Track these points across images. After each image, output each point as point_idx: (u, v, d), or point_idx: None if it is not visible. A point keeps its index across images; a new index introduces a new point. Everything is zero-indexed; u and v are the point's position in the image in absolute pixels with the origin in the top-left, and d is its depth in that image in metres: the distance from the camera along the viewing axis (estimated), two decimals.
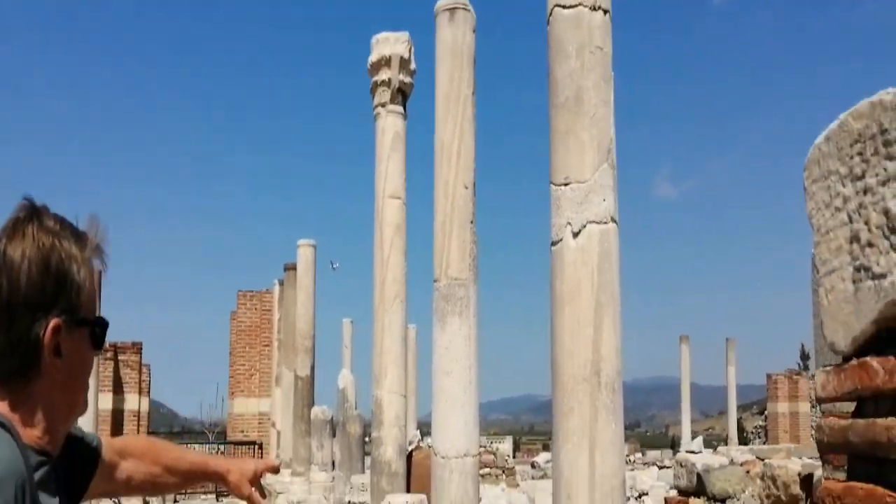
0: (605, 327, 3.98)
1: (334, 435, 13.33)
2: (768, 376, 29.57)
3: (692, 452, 4.79)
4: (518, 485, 16.29)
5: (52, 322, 1.21)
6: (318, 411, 13.83)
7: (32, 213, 1.24)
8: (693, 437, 24.93)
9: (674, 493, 4.88)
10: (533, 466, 21.57)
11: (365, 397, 10.29)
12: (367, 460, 9.70)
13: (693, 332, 35.65)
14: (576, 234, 4.07)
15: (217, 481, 1.72)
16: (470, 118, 6.28)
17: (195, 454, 1.83)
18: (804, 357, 37.90)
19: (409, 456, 9.08)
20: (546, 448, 34.92)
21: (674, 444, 37.64)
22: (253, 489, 1.66)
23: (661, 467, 21.14)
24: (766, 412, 30.60)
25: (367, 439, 10.75)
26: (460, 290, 6.09)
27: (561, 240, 4.14)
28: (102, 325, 1.33)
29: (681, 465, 4.60)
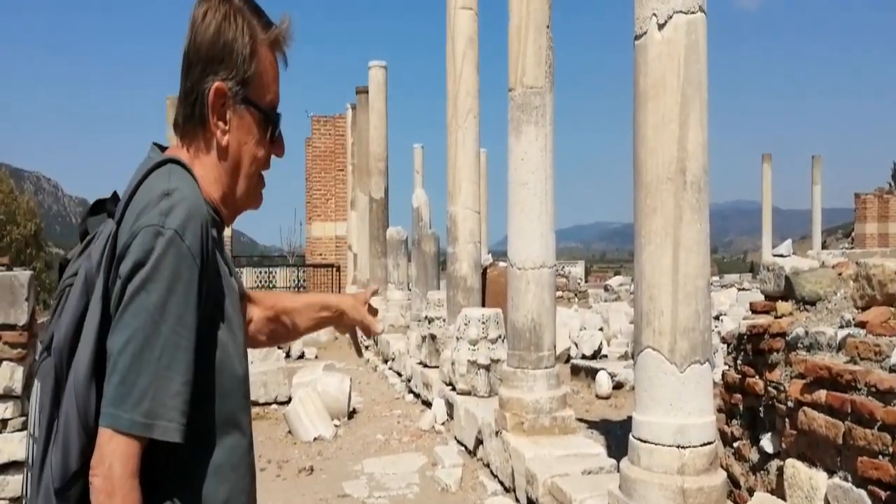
0: (692, 123, 3.76)
1: (409, 255, 13.58)
2: (856, 196, 28.65)
3: (780, 256, 4.61)
4: (591, 307, 16.43)
5: (217, 83, 1.33)
6: (393, 232, 14.03)
7: None
8: None
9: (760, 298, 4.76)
10: (606, 290, 21.45)
11: (439, 217, 10.33)
12: (443, 280, 9.86)
13: (775, 151, 33.69)
14: (661, 26, 3.79)
15: (334, 313, 1.84)
16: None
17: (308, 294, 1.93)
18: None
19: (484, 273, 9.18)
20: (618, 273, 35.01)
21: (752, 270, 37.09)
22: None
23: (740, 289, 20.86)
24: (852, 234, 29.83)
25: (442, 259, 10.88)
26: (536, 99, 5.84)
27: (645, 33, 3.86)
28: (276, 118, 1.42)
29: (768, 269, 4.45)
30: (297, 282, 25.60)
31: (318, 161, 24.67)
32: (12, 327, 4.37)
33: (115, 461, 1.16)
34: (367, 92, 16.77)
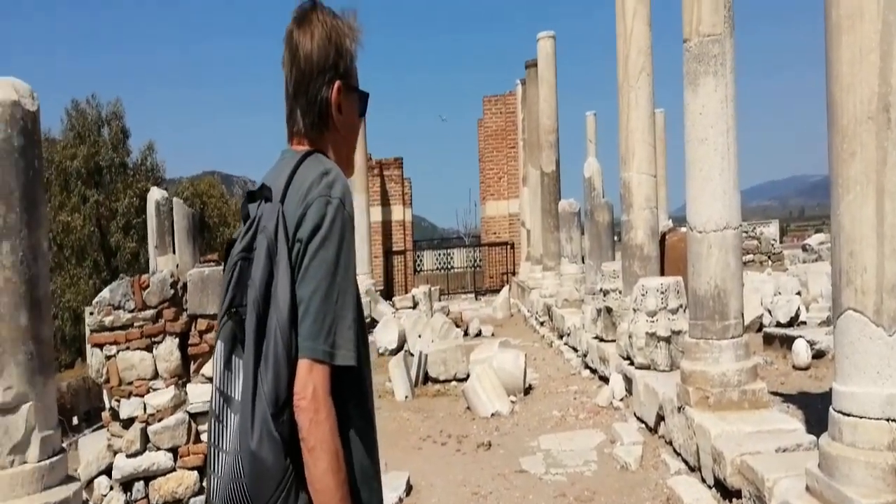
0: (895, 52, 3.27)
1: (583, 228, 13.24)
2: None
3: None
4: (787, 269, 15.19)
5: (336, 84, 1.67)
6: (565, 204, 13.72)
7: (314, 3, 1.67)
8: None
9: None
10: (804, 249, 19.04)
11: (613, 186, 9.91)
12: (619, 252, 9.48)
13: None
14: None
15: None
16: None
17: None
18: None
19: (662, 239, 8.73)
20: (819, 231, 32.35)
21: None
22: None
23: None
24: None
25: (617, 229, 10.48)
26: (714, 47, 5.39)
27: None
28: (365, 95, 1.77)
29: None
30: (473, 262, 25.97)
31: (490, 140, 24.71)
32: None
33: (317, 385, 1.47)
34: (535, 65, 16.51)
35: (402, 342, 11.11)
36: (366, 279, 18.91)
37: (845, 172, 3.44)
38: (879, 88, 3.31)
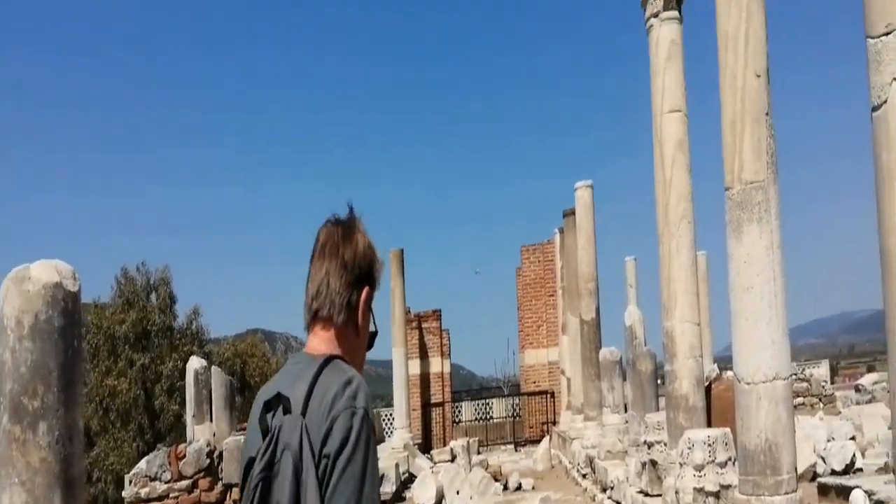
0: None
1: (625, 376, 12.92)
2: None
3: None
4: (840, 412, 14.46)
5: (366, 289, 1.78)
6: (605, 353, 13.48)
7: (353, 221, 1.80)
8: None
9: None
10: (857, 390, 18.07)
11: (654, 333, 9.75)
12: (662, 400, 9.17)
13: None
14: None
15: None
16: None
17: None
18: None
19: (708, 389, 8.44)
20: (871, 369, 31.07)
21: None
22: None
23: None
24: None
25: (660, 376, 10.21)
26: (758, 194, 5.39)
27: (885, 101, 3.41)
28: (374, 333, 1.87)
29: None
30: (512, 411, 25.50)
31: (529, 289, 24.80)
32: None
33: None
34: (573, 214, 16.68)
35: (441, 498, 10.74)
36: (404, 433, 18.60)
37: None
38: None
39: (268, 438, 1.57)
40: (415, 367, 23.13)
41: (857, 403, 15.95)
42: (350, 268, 1.75)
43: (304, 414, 1.56)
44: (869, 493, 7.44)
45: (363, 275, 1.77)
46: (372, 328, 1.86)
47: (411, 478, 12.56)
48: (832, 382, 24.38)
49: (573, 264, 16.87)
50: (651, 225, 8.38)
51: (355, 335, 1.78)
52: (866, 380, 19.13)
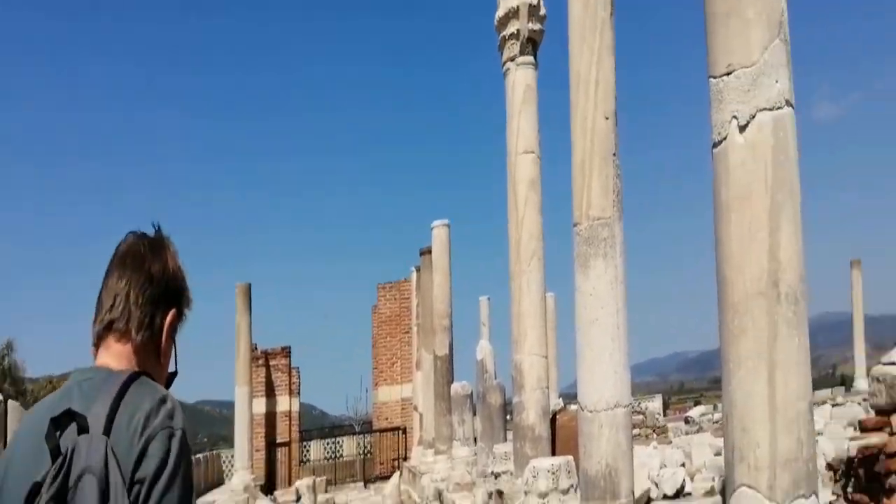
0: (784, 229, 3.42)
1: (475, 410, 13.06)
2: None
3: (892, 364, 4.12)
4: (671, 442, 15.44)
5: (173, 311, 1.62)
6: (457, 387, 13.59)
7: (162, 238, 1.65)
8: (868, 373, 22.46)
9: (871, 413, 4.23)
10: (687, 422, 20.32)
11: (504, 367, 9.92)
12: (511, 432, 9.31)
13: (860, 257, 30.96)
14: (743, 128, 3.54)
15: None
16: (609, 44, 5.77)
17: None
18: None
19: (553, 419, 8.65)
20: (698, 403, 33.33)
21: (844, 383, 34.33)
22: None
23: (834, 404, 19.46)
24: None
25: (509, 410, 10.37)
26: (604, 231, 5.60)
27: (724, 138, 3.61)
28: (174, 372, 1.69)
29: (878, 380, 3.97)
30: (363, 448, 25.16)
31: (384, 326, 24.77)
32: None
33: None
34: (430, 252, 16.87)
35: None
36: (245, 474, 17.84)
37: (736, 349, 3.49)
38: (769, 264, 3.43)
39: (59, 461, 1.34)
40: (260, 405, 22.41)
41: (687, 433, 17.59)
42: (156, 282, 1.58)
43: (107, 433, 1.37)
44: None
45: (171, 294, 1.61)
46: (172, 367, 1.67)
47: None
48: (665, 415, 25.85)
49: (429, 301, 17.00)
50: (505, 267, 8.57)
51: (156, 359, 1.61)
52: (695, 412, 21.08)
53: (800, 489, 3.28)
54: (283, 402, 23.90)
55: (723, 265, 3.60)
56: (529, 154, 8.26)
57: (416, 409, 21.10)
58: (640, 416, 17.89)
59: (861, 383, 25.13)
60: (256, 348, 22.19)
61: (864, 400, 18.29)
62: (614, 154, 5.68)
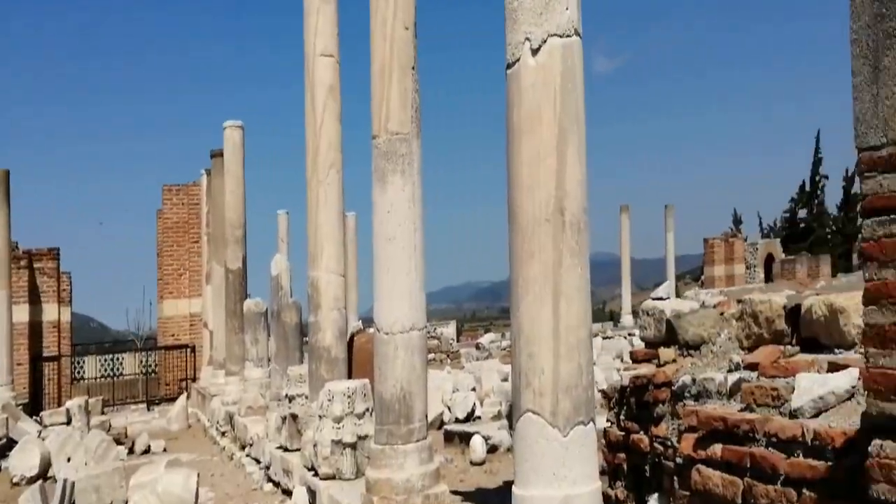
0: (570, 158, 3.45)
1: (269, 329, 12.75)
2: (705, 241, 30.03)
3: (659, 299, 4.36)
4: (463, 367, 16.10)
5: None
6: (250, 304, 13.18)
7: None
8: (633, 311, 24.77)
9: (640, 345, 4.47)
10: (478, 348, 21.34)
11: (302, 286, 9.66)
12: (307, 353, 9.13)
13: (629, 203, 35.59)
14: (535, 51, 3.49)
15: None
16: None
17: None
18: (737, 222, 38.94)
19: (351, 341, 8.58)
20: (488, 331, 35.14)
21: (613, 318, 37.92)
22: None
23: (605, 337, 21.53)
24: (702, 277, 31.00)
25: (305, 331, 10.19)
26: (402, 146, 5.46)
27: (518, 59, 3.55)
28: None
29: (647, 314, 4.17)
30: (147, 367, 23.89)
31: (170, 234, 23.33)
32: None
33: None
34: (222, 155, 15.95)
35: (47, 467, 9.60)
36: (4, 391, 16.39)
37: (525, 273, 3.50)
38: (556, 191, 3.44)
39: None
40: (22, 313, 20.06)
41: (477, 359, 18.57)
42: None
43: None
44: (486, 438, 8.30)
45: None
46: None
47: (11, 444, 11.09)
48: (458, 341, 26.99)
49: (220, 209, 16.21)
50: (304, 176, 8.17)
51: None
52: (485, 339, 22.53)
53: (580, 415, 3.39)
54: (51, 311, 21.60)
55: (513, 188, 3.58)
56: (328, 57, 7.86)
57: (205, 325, 20.34)
58: (435, 341, 18.49)
59: (627, 319, 27.77)
60: (18, 247, 19.99)
61: (630, 334, 20.42)
62: (413, 67, 5.51)
